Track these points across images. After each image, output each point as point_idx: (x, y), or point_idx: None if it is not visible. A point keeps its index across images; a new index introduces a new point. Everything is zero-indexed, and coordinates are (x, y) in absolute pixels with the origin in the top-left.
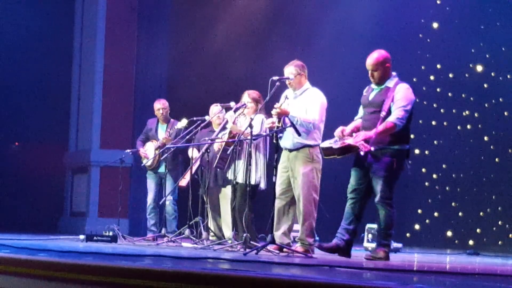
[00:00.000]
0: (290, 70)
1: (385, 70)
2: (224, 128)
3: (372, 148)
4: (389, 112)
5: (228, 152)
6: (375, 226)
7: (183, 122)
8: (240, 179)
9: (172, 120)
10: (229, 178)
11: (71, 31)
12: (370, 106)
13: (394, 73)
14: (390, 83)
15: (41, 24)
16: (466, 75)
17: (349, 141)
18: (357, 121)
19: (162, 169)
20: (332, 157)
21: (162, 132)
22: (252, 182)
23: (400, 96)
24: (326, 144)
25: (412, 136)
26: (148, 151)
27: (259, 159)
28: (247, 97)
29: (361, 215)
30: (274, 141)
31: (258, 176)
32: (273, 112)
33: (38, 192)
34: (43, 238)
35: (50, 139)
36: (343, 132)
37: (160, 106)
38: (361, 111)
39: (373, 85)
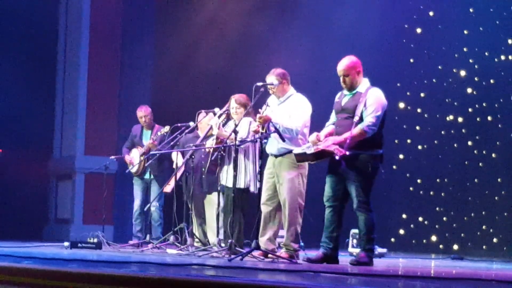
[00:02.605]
0: (271, 79)
1: (356, 75)
2: (207, 134)
3: (347, 152)
4: (361, 118)
5: (213, 158)
6: None
7: (166, 128)
8: (228, 183)
9: (156, 126)
10: (221, 183)
11: (55, 36)
12: (343, 112)
13: (365, 79)
14: (361, 88)
15: (24, 29)
16: (450, 80)
17: (321, 146)
18: (330, 127)
19: (147, 175)
20: (305, 163)
21: (147, 139)
22: (242, 186)
23: (371, 102)
24: (299, 150)
25: (396, 141)
26: (134, 158)
27: (247, 163)
28: (234, 102)
29: (342, 221)
30: (259, 146)
31: (247, 179)
32: (257, 119)
33: (22, 199)
34: (28, 245)
35: (34, 145)
36: (318, 138)
37: (142, 114)
38: (333, 117)
39: (345, 91)
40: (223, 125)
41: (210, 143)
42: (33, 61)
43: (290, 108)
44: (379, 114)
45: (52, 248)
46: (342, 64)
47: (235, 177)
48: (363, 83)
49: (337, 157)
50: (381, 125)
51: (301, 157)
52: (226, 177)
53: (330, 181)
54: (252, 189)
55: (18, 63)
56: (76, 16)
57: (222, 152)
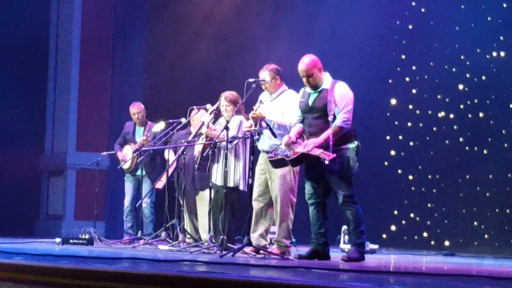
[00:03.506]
0: (264, 74)
1: (319, 72)
2: (199, 131)
3: (335, 155)
4: (335, 115)
5: (204, 155)
6: None
7: (161, 124)
8: (218, 181)
9: (149, 122)
10: (212, 181)
11: (47, 33)
12: (313, 111)
13: (326, 73)
14: (326, 85)
15: (16, 26)
16: (442, 76)
17: (299, 149)
18: (297, 126)
19: (140, 171)
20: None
21: (140, 136)
22: (231, 185)
23: (340, 97)
24: (276, 156)
25: (387, 137)
26: (126, 154)
27: (237, 161)
28: (224, 100)
29: (327, 215)
30: (251, 143)
31: (237, 177)
32: (250, 116)
33: (14, 195)
34: (19, 241)
35: (26, 141)
36: (290, 139)
37: (135, 110)
38: (297, 116)
39: (308, 89)
40: (213, 123)
41: (201, 141)
42: (24, 57)
43: (282, 105)
44: (350, 107)
45: (43, 244)
46: (304, 64)
47: (226, 173)
48: (326, 79)
49: (326, 162)
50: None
51: (278, 163)
52: (216, 175)
53: (310, 180)
54: (241, 187)
55: (9, 59)
56: (67, 13)
57: (213, 149)
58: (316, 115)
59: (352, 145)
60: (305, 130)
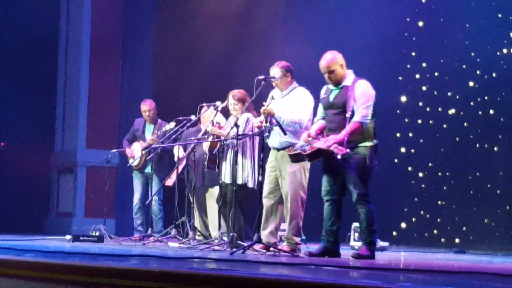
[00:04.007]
0: (275, 71)
1: (341, 69)
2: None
3: (348, 150)
4: (354, 112)
5: (214, 152)
6: None
7: (171, 124)
8: (226, 179)
9: (159, 120)
10: (222, 179)
11: (57, 31)
12: (333, 107)
13: (350, 70)
14: (347, 82)
15: (26, 23)
16: (452, 73)
17: (318, 145)
18: (319, 122)
19: (148, 169)
20: (301, 162)
21: (149, 133)
22: (239, 182)
23: (360, 93)
24: (294, 151)
25: (398, 134)
26: (135, 151)
27: (244, 158)
28: (232, 98)
29: (341, 214)
30: (261, 140)
31: (245, 175)
32: (261, 111)
33: (24, 192)
34: (29, 238)
35: (36, 139)
36: (309, 135)
37: (146, 108)
38: (320, 113)
39: (330, 86)
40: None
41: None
42: (34, 55)
43: (293, 102)
44: (369, 104)
45: (54, 241)
46: (326, 60)
47: (236, 170)
48: (348, 76)
49: (338, 157)
50: (372, 116)
51: (296, 158)
52: (224, 172)
53: (327, 176)
54: (250, 185)
55: (19, 57)
56: (77, 11)
57: (222, 146)
58: (336, 111)
59: (371, 143)
60: (325, 127)
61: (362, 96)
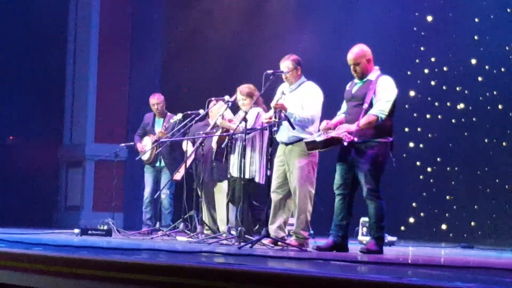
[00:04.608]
0: (286, 64)
1: (367, 63)
2: (216, 123)
3: (356, 139)
4: (371, 105)
5: (223, 146)
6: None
7: (178, 116)
8: (234, 173)
9: (168, 114)
10: (230, 173)
11: (65, 24)
12: (353, 99)
13: (376, 67)
14: (372, 76)
15: (35, 17)
16: (461, 68)
17: (332, 134)
18: (340, 115)
19: (159, 163)
20: (315, 151)
21: (159, 127)
22: (247, 176)
23: (382, 88)
24: (310, 138)
25: (406, 129)
26: (146, 146)
27: (253, 152)
28: (240, 94)
29: (351, 209)
30: (270, 135)
31: (253, 170)
32: (271, 105)
33: (33, 186)
34: (38, 232)
35: (44, 133)
36: (328, 125)
37: (155, 101)
38: (344, 107)
39: (355, 80)
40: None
41: (219, 133)
42: (43, 49)
43: (302, 96)
44: (389, 100)
45: (62, 235)
46: (353, 53)
47: (244, 164)
48: (374, 71)
49: (345, 143)
50: (391, 113)
51: (311, 146)
52: (232, 166)
53: (340, 169)
54: (257, 179)
55: (28, 50)
56: (86, 5)
57: (231, 140)
58: (355, 103)
59: (385, 140)
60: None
61: (383, 90)
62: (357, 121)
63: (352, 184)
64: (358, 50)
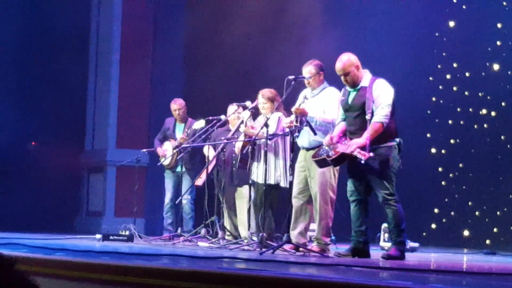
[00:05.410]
0: (308, 69)
1: (356, 70)
2: (238, 128)
3: (372, 154)
4: (373, 113)
5: (244, 152)
6: None
7: (201, 122)
8: (259, 179)
9: (190, 119)
10: (253, 179)
11: (87, 29)
12: (352, 110)
13: (365, 70)
14: (365, 82)
15: (57, 22)
16: (483, 73)
17: (341, 149)
18: (340, 124)
19: (179, 168)
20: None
21: (180, 132)
22: (272, 182)
23: (379, 93)
24: (318, 156)
25: (428, 135)
26: (167, 150)
27: (276, 158)
28: (261, 97)
29: (368, 214)
30: (291, 140)
31: (277, 175)
32: (293, 110)
33: (55, 192)
34: (60, 237)
35: (66, 138)
36: (332, 139)
37: (176, 106)
38: (341, 115)
39: (348, 88)
40: (253, 120)
41: (240, 139)
42: (65, 54)
43: (323, 101)
44: (389, 103)
45: (84, 241)
46: (341, 63)
47: (266, 170)
48: (365, 76)
49: (362, 161)
50: (392, 114)
51: (322, 163)
52: (256, 172)
53: (352, 178)
54: (282, 184)
55: (50, 55)
56: (108, 9)
57: (253, 146)
58: (355, 113)
59: (393, 143)
60: (346, 129)
61: (381, 95)
62: (363, 133)
63: (365, 190)
64: (345, 59)
